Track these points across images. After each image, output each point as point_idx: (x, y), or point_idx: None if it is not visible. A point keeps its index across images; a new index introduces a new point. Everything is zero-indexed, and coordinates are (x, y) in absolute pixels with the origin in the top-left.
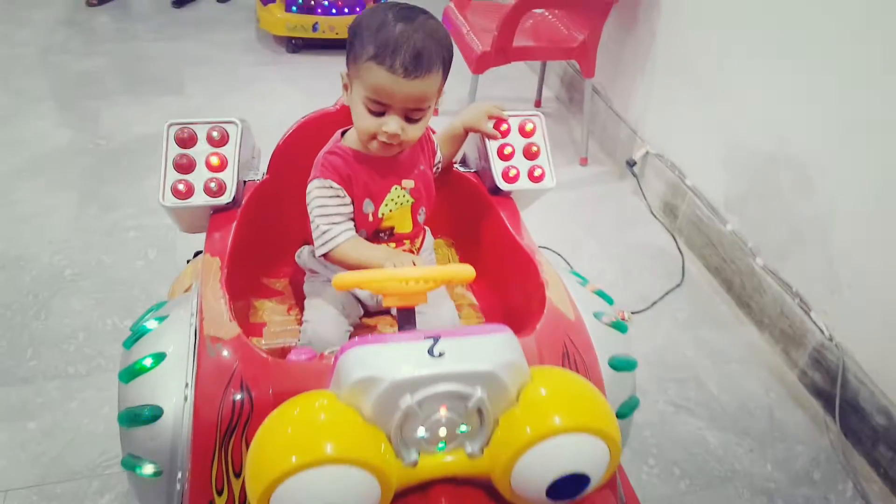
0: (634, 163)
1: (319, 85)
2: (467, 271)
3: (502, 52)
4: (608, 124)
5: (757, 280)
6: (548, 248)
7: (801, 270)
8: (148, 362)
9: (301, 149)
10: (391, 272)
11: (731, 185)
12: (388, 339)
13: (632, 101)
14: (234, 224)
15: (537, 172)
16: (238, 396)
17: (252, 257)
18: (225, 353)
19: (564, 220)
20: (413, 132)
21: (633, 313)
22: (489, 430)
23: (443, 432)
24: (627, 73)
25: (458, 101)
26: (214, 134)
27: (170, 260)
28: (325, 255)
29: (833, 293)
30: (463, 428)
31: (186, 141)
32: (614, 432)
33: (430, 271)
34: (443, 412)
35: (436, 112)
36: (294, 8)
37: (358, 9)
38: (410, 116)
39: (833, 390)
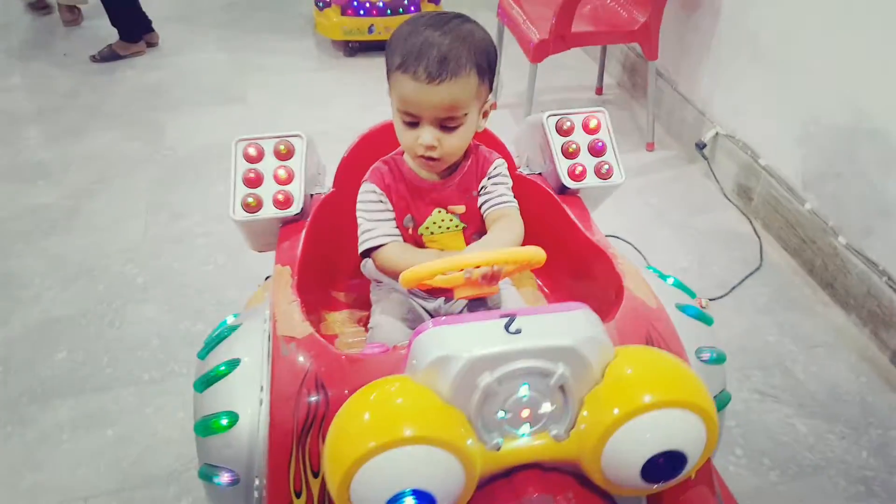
0: (704, 145)
1: (377, 87)
2: (538, 253)
3: (561, 39)
4: (674, 107)
5: (840, 260)
6: (618, 238)
7: (887, 247)
8: (222, 369)
9: (365, 161)
10: (459, 259)
11: (808, 162)
12: (464, 319)
13: (698, 81)
14: (303, 234)
15: (604, 169)
16: (314, 395)
17: (321, 269)
18: (298, 352)
19: (634, 208)
20: (451, 143)
21: (710, 300)
22: (574, 411)
23: (525, 413)
24: (692, 52)
25: (517, 94)
26: (281, 147)
27: (239, 264)
28: (369, 256)
29: None
30: (546, 407)
31: (254, 157)
32: (709, 406)
33: (500, 254)
34: (524, 390)
35: (494, 106)
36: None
37: (413, 8)
38: (446, 125)
39: None
